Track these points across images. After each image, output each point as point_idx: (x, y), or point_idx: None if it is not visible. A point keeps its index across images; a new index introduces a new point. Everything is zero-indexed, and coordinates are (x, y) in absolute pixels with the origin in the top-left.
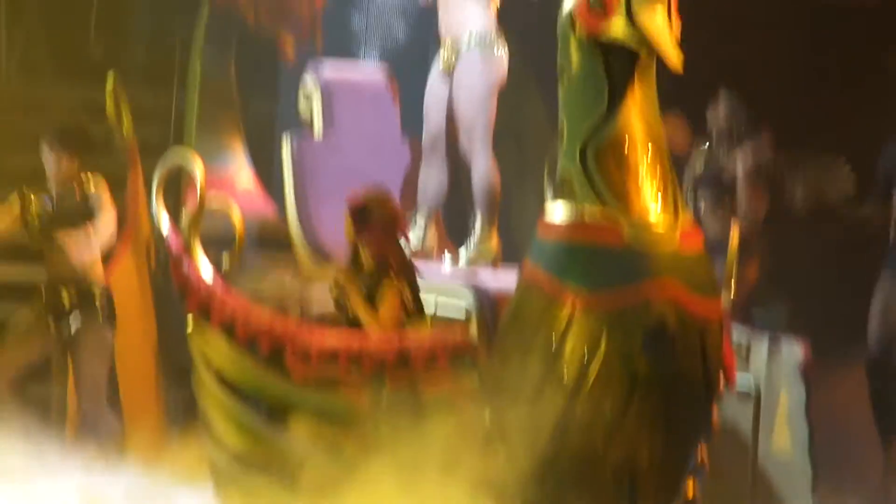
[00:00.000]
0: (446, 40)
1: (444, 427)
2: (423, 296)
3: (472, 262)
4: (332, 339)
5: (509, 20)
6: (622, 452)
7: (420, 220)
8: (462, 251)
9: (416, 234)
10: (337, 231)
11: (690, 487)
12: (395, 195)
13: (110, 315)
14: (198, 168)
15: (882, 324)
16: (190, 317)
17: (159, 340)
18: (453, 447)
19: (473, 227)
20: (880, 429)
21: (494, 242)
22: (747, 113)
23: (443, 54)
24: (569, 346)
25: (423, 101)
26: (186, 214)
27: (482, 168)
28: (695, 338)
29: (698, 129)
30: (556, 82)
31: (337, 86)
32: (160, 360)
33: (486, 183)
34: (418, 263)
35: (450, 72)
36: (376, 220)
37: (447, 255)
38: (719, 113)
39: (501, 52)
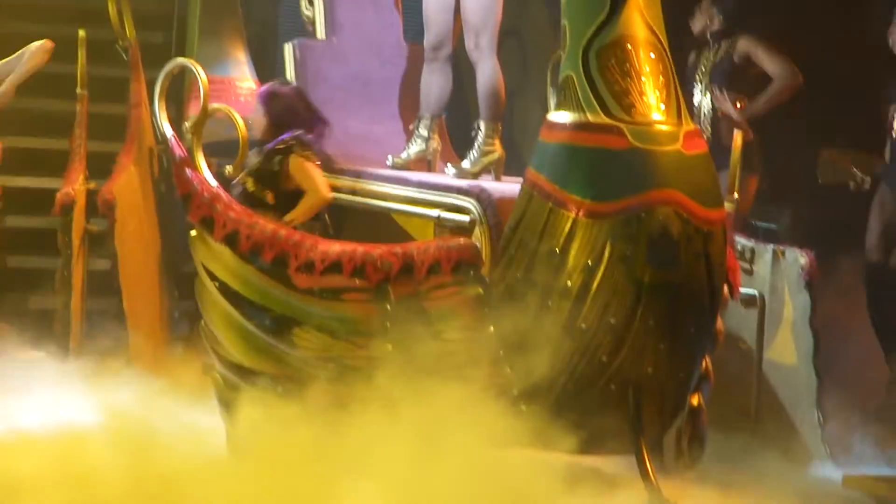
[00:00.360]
0: None
1: (450, 337)
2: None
3: (476, 170)
4: (336, 248)
5: None
6: (627, 361)
7: (423, 128)
8: (466, 161)
9: (419, 142)
10: (340, 136)
11: (695, 397)
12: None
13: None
14: (200, 72)
15: (879, 236)
16: (193, 226)
17: (162, 250)
18: (461, 358)
19: (477, 136)
20: (883, 344)
21: (499, 151)
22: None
23: None
24: (573, 254)
25: (422, 5)
26: (189, 121)
27: (488, 71)
28: (699, 245)
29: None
30: None
31: None
32: (163, 269)
33: (491, 86)
34: (422, 172)
35: None
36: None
37: (450, 166)
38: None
39: None
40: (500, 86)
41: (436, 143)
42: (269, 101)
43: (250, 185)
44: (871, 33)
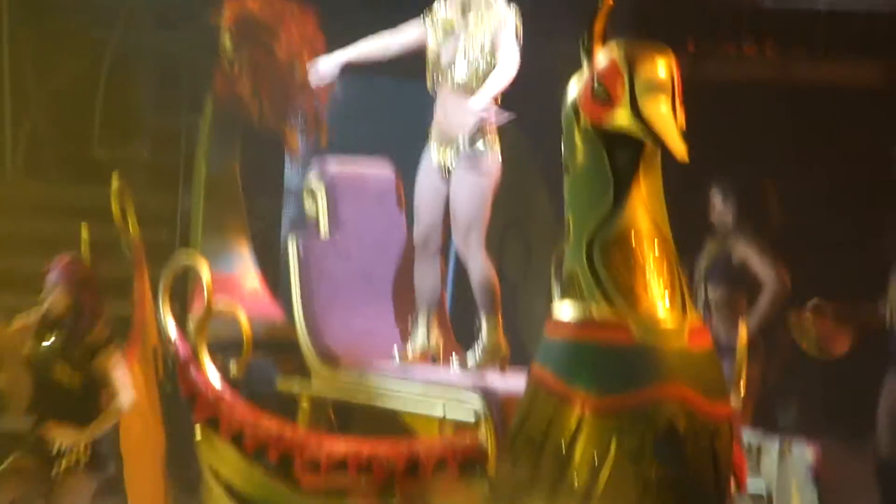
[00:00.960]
0: (443, 138)
1: None
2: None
3: (479, 364)
4: (341, 447)
5: (513, 112)
6: None
7: (420, 323)
8: (470, 356)
9: (418, 336)
10: (344, 333)
11: None
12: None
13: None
14: (204, 271)
15: (890, 427)
16: (198, 426)
17: (167, 450)
18: None
19: (480, 331)
20: None
21: (502, 343)
22: (742, 204)
23: (438, 151)
24: (579, 450)
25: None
26: (193, 319)
27: (477, 268)
28: (705, 441)
29: (701, 225)
30: (562, 177)
31: (342, 183)
32: (169, 470)
33: (484, 283)
34: (427, 368)
35: (445, 169)
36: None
37: (454, 358)
38: (715, 207)
39: (497, 152)
40: (492, 281)
41: (436, 337)
42: (76, 278)
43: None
44: None
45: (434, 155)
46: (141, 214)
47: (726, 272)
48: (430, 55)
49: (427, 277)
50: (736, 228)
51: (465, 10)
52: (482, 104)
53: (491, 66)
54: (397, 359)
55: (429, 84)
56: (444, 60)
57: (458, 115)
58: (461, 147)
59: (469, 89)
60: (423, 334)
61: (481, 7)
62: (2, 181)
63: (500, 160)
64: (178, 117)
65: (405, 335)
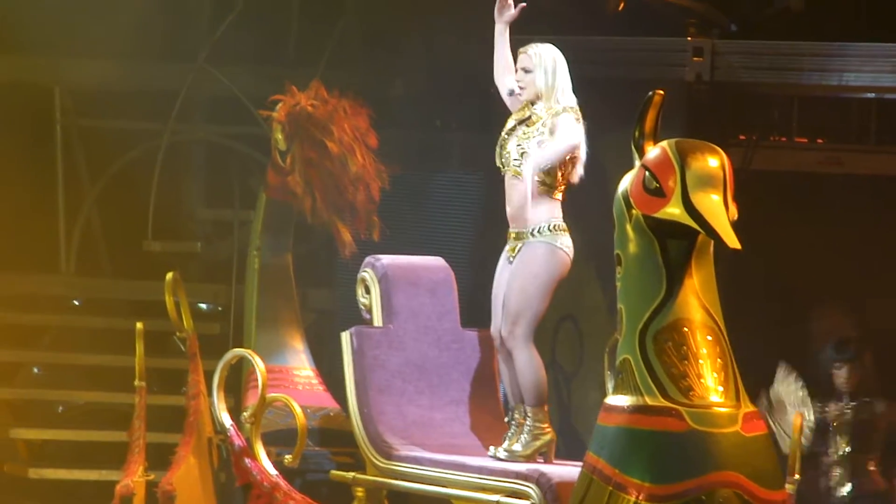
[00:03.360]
0: (511, 232)
1: None
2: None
3: (528, 453)
4: None
5: (567, 206)
6: None
7: (518, 417)
8: (517, 445)
9: (523, 434)
10: (398, 423)
11: None
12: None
13: None
14: (258, 363)
15: None
16: None
17: None
18: None
19: (526, 421)
20: None
21: (550, 433)
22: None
23: (510, 246)
24: None
25: (482, 293)
26: (248, 410)
27: (524, 360)
28: None
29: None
30: (614, 268)
31: (395, 274)
32: None
33: (530, 375)
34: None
35: (513, 257)
36: None
37: (499, 449)
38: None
39: (566, 244)
40: (539, 373)
41: (549, 434)
42: None
43: None
44: None
45: (507, 245)
46: (195, 308)
47: (861, 432)
48: (499, 142)
49: (510, 370)
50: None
51: (534, 101)
52: (533, 166)
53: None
54: (497, 454)
55: (499, 166)
56: (509, 147)
57: (518, 205)
58: (529, 237)
59: (531, 182)
60: (529, 433)
61: (552, 100)
62: (56, 277)
63: (569, 254)
64: (231, 211)
65: (460, 425)
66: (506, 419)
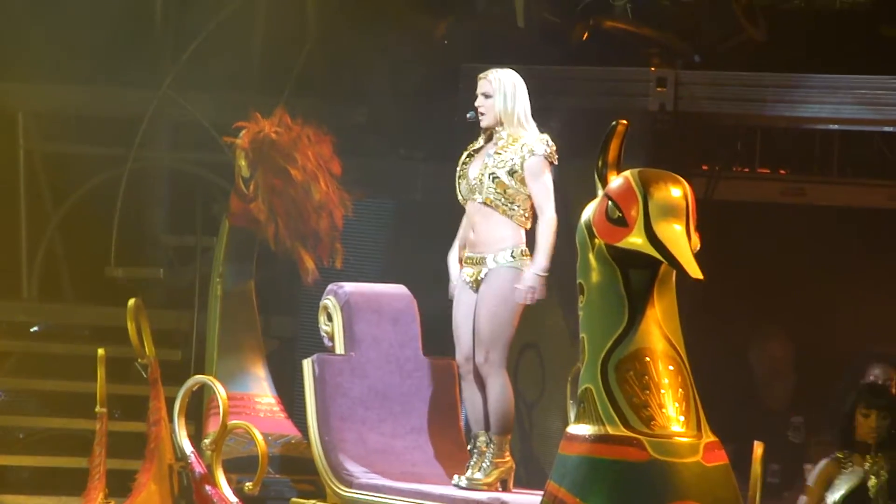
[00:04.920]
0: (473, 257)
1: None
2: None
3: (489, 481)
4: None
5: (530, 235)
6: None
7: (481, 444)
8: (479, 472)
9: (481, 462)
10: (360, 450)
11: None
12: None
13: None
14: (219, 390)
15: None
16: None
17: None
18: None
19: (489, 449)
20: None
21: (510, 461)
22: None
23: (469, 266)
24: None
25: (444, 321)
26: (209, 438)
27: (497, 387)
28: None
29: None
30: (577, 297)
31: (358, 304)
32: None
33: (501, 403)
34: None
35: (475, 284)
36: None
37: (459, 477)
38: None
39: (530, 270)
40: (509, 402)
41: (509, 462)
42: None
43: None
44: None
45: (466, 270)
46: (156, 334)
47: None
48: (460, 170)
49: (476, 396)
50: None
51: (495, 131)
52: (537, 272)
53: (517, 191)
54: (456, 482)
55: (458, 197)
56: (471, 175)
57: (484, 230)
58: (490, 262)
59: (496, 206)
60: (489, 460)
61: (514, 125)
62: (18, 303)
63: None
64: (194, 237)
65: (421, 453)
66: (468, 447)
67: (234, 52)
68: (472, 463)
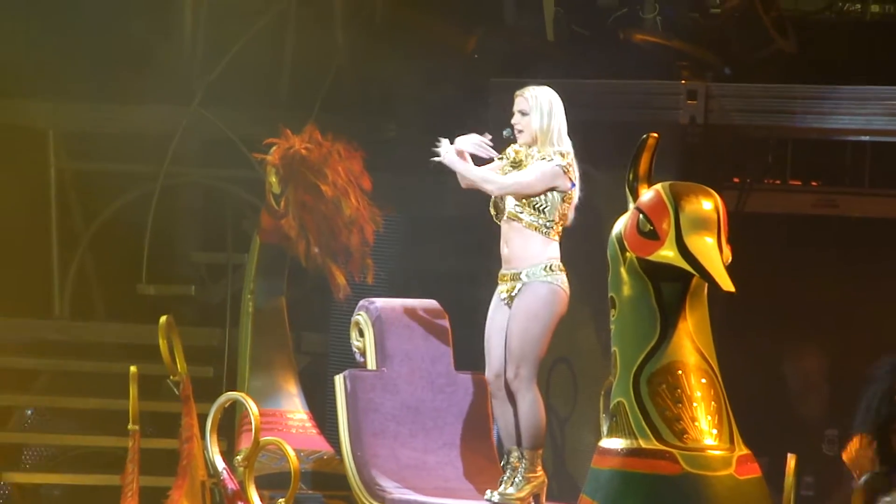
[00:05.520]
0: (506, 274)
1: None
2: None
3: (521, 496)
4: None
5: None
6: None
7: (514, 460)
8: (511, 488)
9: (516, 477)
10: (392, 466)
11: None
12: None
13: None
14: (251, 407)
15: None
16: None
17: None
18: None
19: (521, 464)
20: None
21: (542, 476)
22: None
23: (502, 287)
24: None
25: (476, 336)
26: (241, 454)
27: (527, 403)
28: None
29: None
30: (608, 311)
31: (389, 317)
32: None
33: (531, 418)
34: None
35: (509, 300)
36: None
37: (492, 493)
38: None
39: (562, 283)
40: (540, 416)
41: (542, 476)
42: None
43: None
44: None
45: (501, 287)
46: (188, 351)
47: None
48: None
49: (506, 412)
50: None
51: (530, 145)
52: (457, 165)
53: (546, 203)
54: (489, 496)
55: (491, 213)
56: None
57: (516, 246)
58: (524, 277)
59: (521, 220)
60: (522, 476)
61: (549, 143)
62: (50, 322)
63: (567, 291)
64: (225, 254)
65: (453, 469)
66: (501, 463)
67: (264, 68)
68: (505, 478)
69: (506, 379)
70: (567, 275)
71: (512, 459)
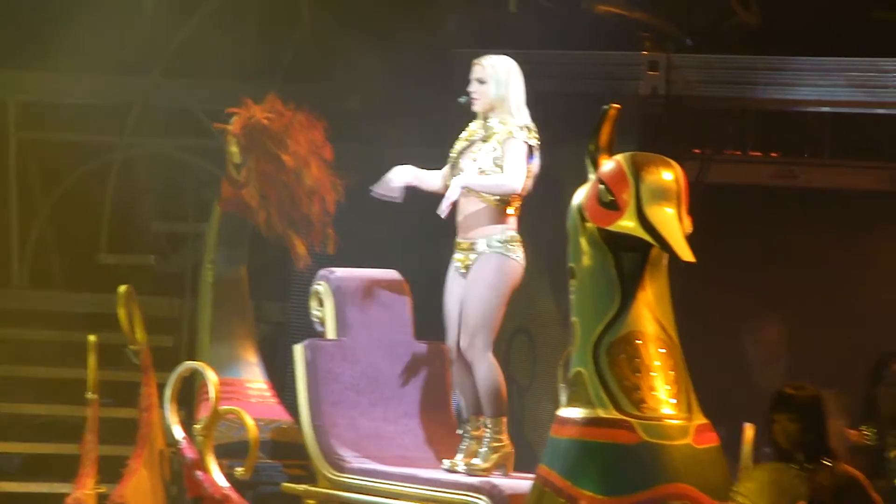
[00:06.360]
0: (462, 242)
1: None
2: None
3: (485, 465)
4: None
5: (521, 219)
6: None
7: (472, 429)
8: (477, 458)
9: (482, 447)
10: (351, 435)
11: None
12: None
13: None
14: (210, 376)
15: None
16: None
17: None
18: None
19: (485, 434)
20: None
21: (508, 446)
22: None
23: (458, 256)
24: None
25: (436, 305)
26: (200, 423)
27: (484, 370)
28: None
29: None
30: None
31: (349, 287)
32: None
33: (490, 385)
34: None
35: (466, 269)
36: None
37: (461, 463)
38: None
39: (518, 256)
40: (499, 383)
41: (507, 446)
42: None
43: None
44: None
45: (456, 256)
46: (148, 320)
47: None
48: (450, 159)
49: (466, 381)
50: None
51: (487, 117)
52: (459, 185)
53: (499, 173)
54: (447, 466)
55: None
56: (461, 164)
57: (471, 216)
58: (480, 247)
59: (479, 193)
60: (488, 445)
61: (506, 112)
62: (8, 290)
63: (522, 263)
64: (185, 223)
65: (412, 437)
66: (458, 431)
67: (226, 38)
68: (462, 447)
69: (461, 348)
70: (528, 245)
71: (469, 428)
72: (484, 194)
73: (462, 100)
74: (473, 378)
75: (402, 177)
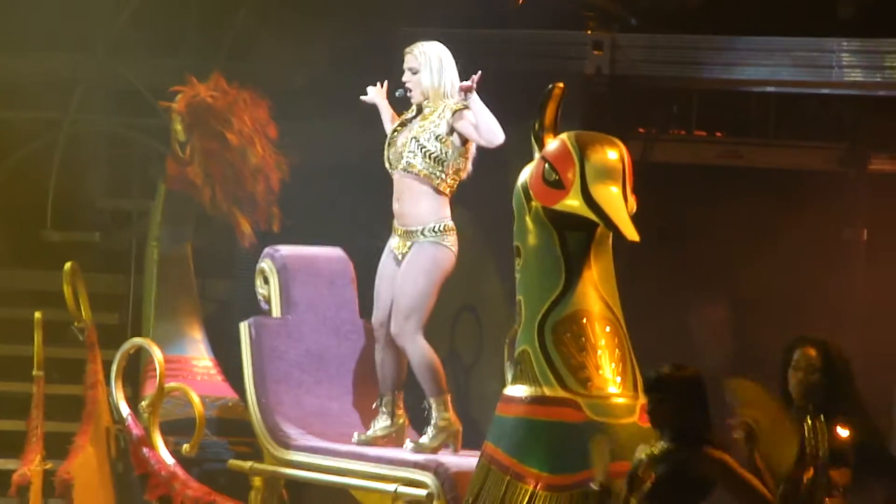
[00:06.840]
0: (399, 229)
1: None
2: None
3: (432, 443)
4: None
5: (467, 198)
6: None
7: (386, 405)
8: (424, 437)
9: (383, 419)
10: (296, 412)
11: None
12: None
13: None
14: (156, 353)
15: None
16: None
17: None
18: None
19: (430, 413)
20: None
21: (455, 424)
22: None
23: (396, 236)
24: None
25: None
26: (146, 400)
27: (417, 352)
28: None
29: None
30: (514, 260)
31: (294, 265)
32: None
33: (424, 365)
34: (380, 448)
35: (401, 254)
36: None
37: (409, 441)
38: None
39: (452, 245)
40: (434, 363)
41: (402, 419)
42: None
43: None
44: None
45: (394, 241)
46: (93, 297)
47: None
48: (389, 137)
49: (387, 360)
50: None
51: (422, 106)
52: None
53: (444, 154)
54: (356, 439)
55: (386, 165)
56: (399, 143)
57: (409, 201)
58: (417, 237)
59: (422, 176)
60: (388, 415)
61: (441, 98)
62: None
63: (455, 252)
64: (130, 201)
65: (356, 415)
66: (375, 405)
67: (170, 15)
68: (376, 420)
69: (391, 332)
70: (473, 224)
71: (385, 404)
72: (426, 172)
73: (398, 93)
74: (393, 356)
75: (375, 98)
